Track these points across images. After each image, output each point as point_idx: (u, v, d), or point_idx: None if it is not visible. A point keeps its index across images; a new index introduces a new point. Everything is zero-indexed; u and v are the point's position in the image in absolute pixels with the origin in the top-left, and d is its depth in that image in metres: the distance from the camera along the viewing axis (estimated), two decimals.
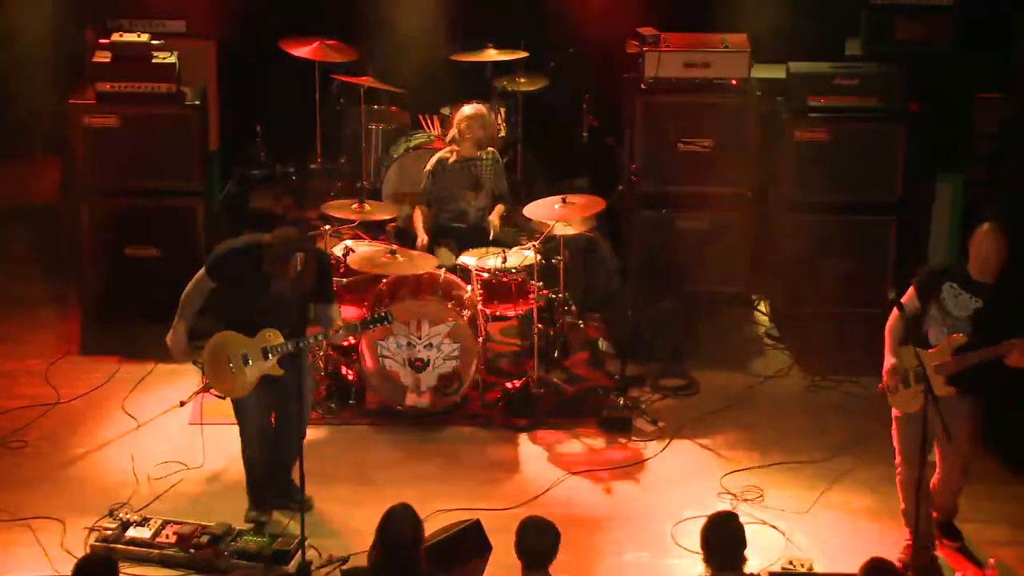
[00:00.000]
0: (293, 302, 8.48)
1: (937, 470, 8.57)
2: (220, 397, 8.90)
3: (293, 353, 8.44)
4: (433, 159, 10.88)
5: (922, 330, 8.37)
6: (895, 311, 8.42)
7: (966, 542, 8.71)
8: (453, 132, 10.90)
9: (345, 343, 9.87)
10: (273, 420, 8.82)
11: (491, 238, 10.68)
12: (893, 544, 8.55)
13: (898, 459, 8.54)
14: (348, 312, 10.16)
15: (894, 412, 8.48)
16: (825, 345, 10.86)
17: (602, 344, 10.94)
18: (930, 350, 8.26)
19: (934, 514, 8.66)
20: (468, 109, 10.81)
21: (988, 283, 8.25)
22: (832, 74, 11.11)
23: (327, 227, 10.45)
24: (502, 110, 12.24)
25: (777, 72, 11.36)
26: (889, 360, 8.37)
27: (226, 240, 8.79)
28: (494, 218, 10.82)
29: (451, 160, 10.82)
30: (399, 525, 6.94)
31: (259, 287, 8.44)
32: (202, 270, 8.64)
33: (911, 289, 8.45)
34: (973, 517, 8.93)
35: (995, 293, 8.23)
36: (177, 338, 8.68)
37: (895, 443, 8.53)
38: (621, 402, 10.08)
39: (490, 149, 10.96)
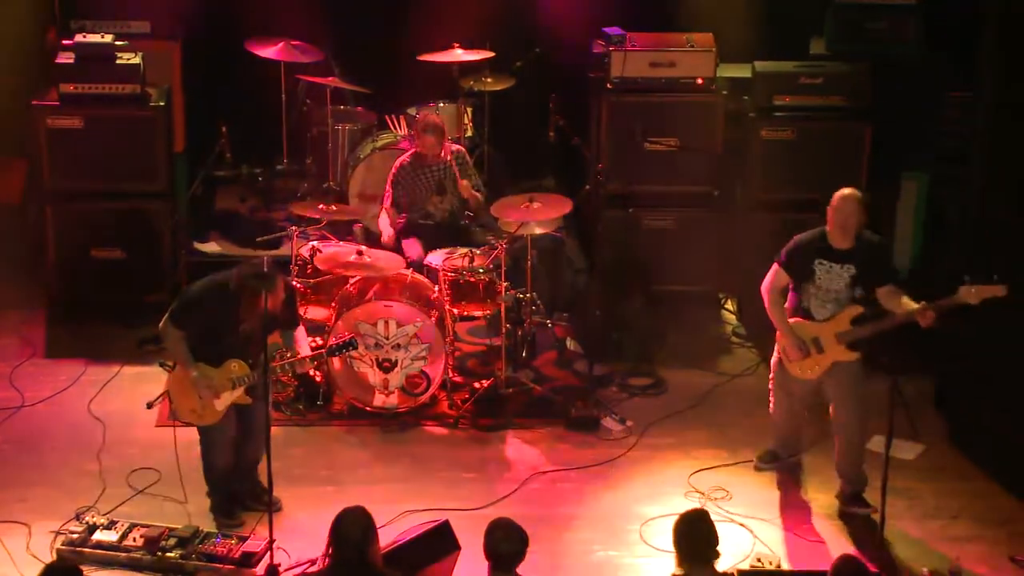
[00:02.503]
0: (259, 333, 8.49)
1: (836, 440, 8.96)
2: (187, 424, 8.83)
3: (259, 383, 8.47)
4: (394, 167, 10.89)
5: (802, 305, 8.78)
6: (769, 290, 8.85)
7: (925, 541, 8.78)
8: (416, 140, 10.92)
9: (311, 371, 9.80)
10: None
11: (473, 210, 10.81)
12: (862, 541, 8.60)
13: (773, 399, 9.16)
14: (317, 313, 10.16)
15: (773, 362, 9.02)
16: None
17: (570, 344, 10.96)
18: (826, 321, 8.69)
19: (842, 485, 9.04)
20: (425, 121, 10.82)
21: (850, 248, 8.61)
22: (797, 73, 11.16)
23: (293, 228, 10.44)
24: (469, 110, 12.25)
25: (743, 71, 11.41)
26: (789, 336, 8.78)
27: (189, 287, 8.79)
28: (478, 194, 10.80)
29: (413, 167, 10.83)
30: (349, 525, 6.97)
31: (227, 326, 8.47)
32: (167, 320, 8.58)
33: (776, 267, 8.84)
34: (937, 513, 9.01)
35: (862, 255, 8.60)
36: (200, 374, 8.57)
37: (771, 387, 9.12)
38: (588, 402, 10.10)
39: (456, 148, 10.98)
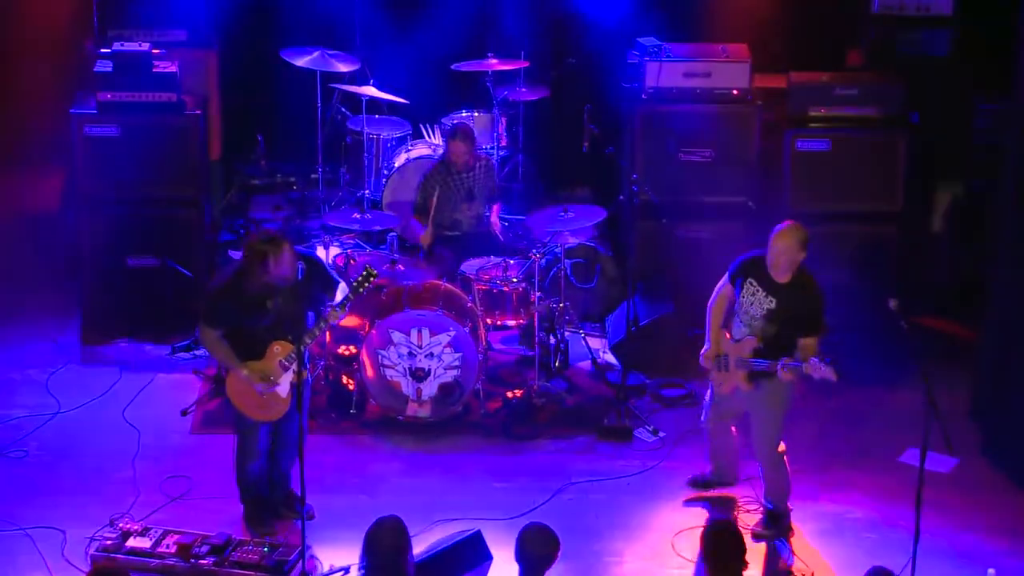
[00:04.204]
0: (292, 305, 8.46)
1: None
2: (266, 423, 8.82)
3: (304, 352, 8.43)
4: (424, 173, 10.92)
5: (729, 319, 8.77)
6: (715, 293, 8.80)
7: (959, 556, 8.77)
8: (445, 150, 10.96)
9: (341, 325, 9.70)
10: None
11: (500, 239, 10.75)
12: (894, 553, 8.55)
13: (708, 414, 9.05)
14: (349, 321, 10.18)
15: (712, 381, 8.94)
16: (826, 354, 10.82)
17: (603, 354, 10.95)
18: (736, 343, 8.65)
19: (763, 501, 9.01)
20: (455, 127, 10.85)
21: (782, 283, 8.47)
22: (832, 84, 11.13)
23: (327, 237, 10.47)
24: (504, 120, 12.27)
25: (778, 82, 11.38)
26: (708, 342, 8.77)
27: (209, 285, 8.78)
28: (495, 219, 10.87)
29: (443, 174, 10.86)
30: (383, 534, 6.97)
31: (256, 310, 8.45)
32: (201, 323, 8.59)
33: (726, 275, 8.77)
34: (971, 528, 8.98)
35: (787, 295, 8.46)
36: (250, 371, 8.57)
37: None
38: (621, 412, 10.10)
39: (484, 157, 11.02)
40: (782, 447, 8.79)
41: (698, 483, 9.28)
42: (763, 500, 8.98)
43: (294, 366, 8.42)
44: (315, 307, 8.61)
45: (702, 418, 9.18)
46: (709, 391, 9.05)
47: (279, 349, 8.52)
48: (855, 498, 9.30)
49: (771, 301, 8.49)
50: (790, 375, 8.42)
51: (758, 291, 8.53)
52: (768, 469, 8.84)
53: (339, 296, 8.73)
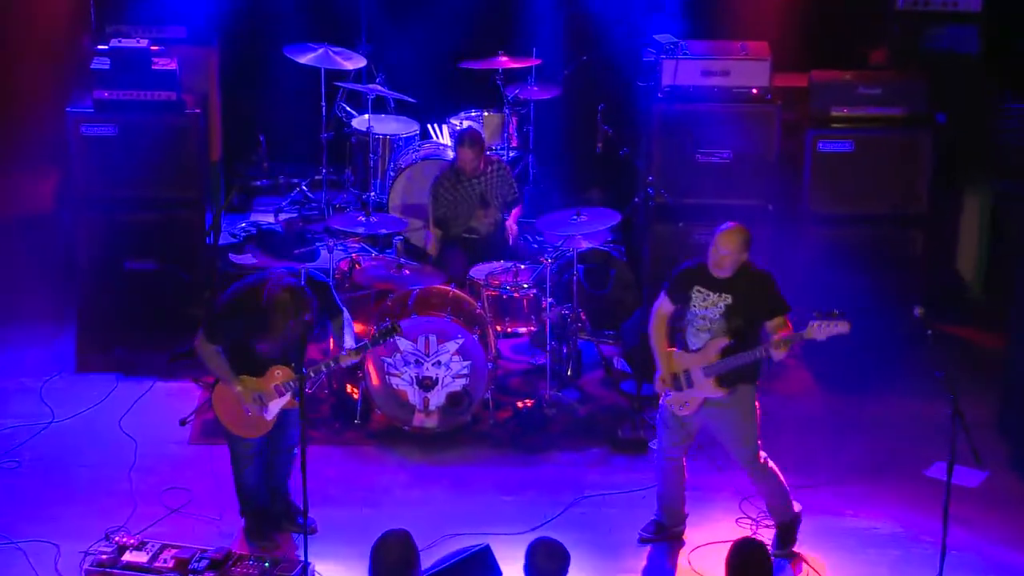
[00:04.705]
0: (299, 332, 8.45)
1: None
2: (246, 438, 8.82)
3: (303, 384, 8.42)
4: (432, 181, 10.92)
5: (681, 333, 8.64)
6: (654, 313, 8.71)
7: (988, 571, 8.73)
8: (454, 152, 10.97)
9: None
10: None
11: (511, 243, 10.72)
12: (921, 569, 8.53)
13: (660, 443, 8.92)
14: (355, 328, 10.15)
15: (662, 400, 8.75)
16: (848, 363, 10.83)
17: (617, 362, 10.93)
18: (697, 352, 8.51)
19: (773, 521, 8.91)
20: (462, 134, 10.85)
21: (729, 278, 8.46)
22: (855, 83, 11.10)
23: (331, 240, 10.45)
24: (514, 120, 12.25)
25: (799, 81, 11.35)
26: (659, 365, 8.65)
27: (217, 299, 8.73)
28: (511, 223, 10.87)
29: (452, 180, 10.85)
30: (390, 549, 6.94)
31: (262, 331, 8.43)
32: (202, 337, 8.56)
33: (662, 294, 8.70)
34: (1000, 542, 8.95)
35: (739, 285, 8.45)
36: (244, 388, 8.55)
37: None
38: (635, 423, 10.08)
39: (495, 159, 11.01)
40: (762, 455, 8.72)
41: (653, 534, 9.03)
42: (770, 517, 8.91)
43: (289, 395, 8.45)
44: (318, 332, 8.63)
45: (656, 452, 9.05)
46: (659, 420, 8.89)
47: (280, 374, 8.53)
48: (879, 512, 9.26)
49: (726, 298, 8.47)
50: (784, 350, 8.34)
51: (709, 295, 8.50)
52: (760, 482, 8.76)
53: (348, 338, 8.81)
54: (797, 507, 8.86)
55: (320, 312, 8.60)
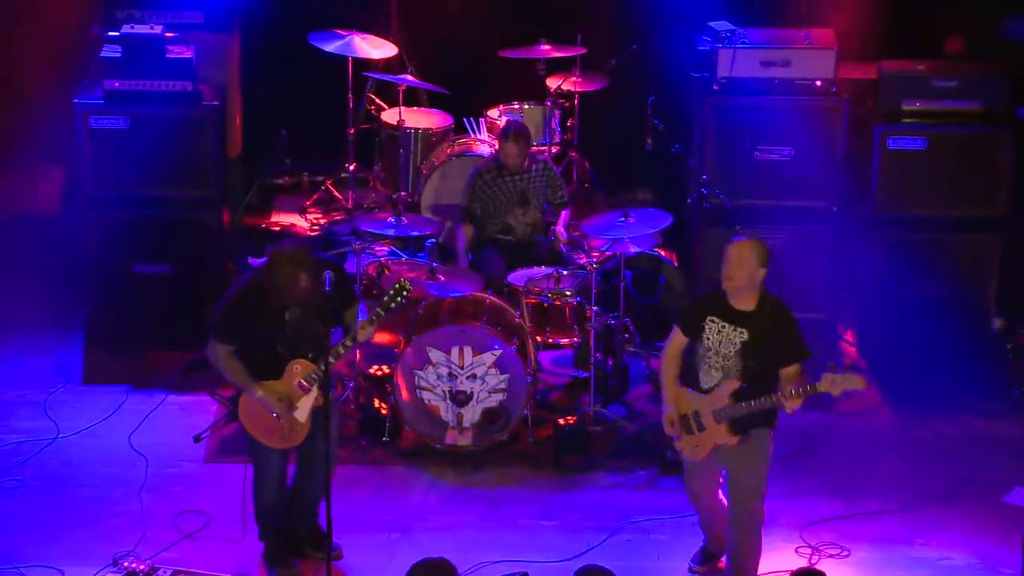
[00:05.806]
0: (312, 322, 8.43)
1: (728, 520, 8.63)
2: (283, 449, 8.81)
3: (326, 373, 8.38)
4: (472, 172, 10.92)
5: (694, 370, 8.42)
6: (666, 348, 8.51)
7: None
8: (497, 145, 10.96)
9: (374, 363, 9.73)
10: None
11: (556, 247, 10.79)
12: None
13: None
14: (382, 338, 10.17)
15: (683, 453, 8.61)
16: (918, 379, 10.78)
17: None
18: (707, 394, 8.32)
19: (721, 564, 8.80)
20: (507, 127, 10.85)
21: (749, 311, 8.24)
22: (929, 75, 11.05)
23: (359, 243, 10.46)
24: (557, 113, 12.25)
25: (867, 72, 11.31)
26: (666, 406, 8.47)
27: (223, 297, 8.67)
28: (560, 229, 10.86)
29: (493, 174, 10.85)
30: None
31: (274, 324, 8.42)
32: (212, 340, 8.54)
33: (675, 327, 8.49)
34: None
35: (758, 321, 8.23)
36: (265, 392, 8.54)
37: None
38: None
39: (542, 159, 11.01)
40: (761, 508, 8.53)
41: (701, 564, 8.97)
42: (726, 566, 8.75)
43: (315, 388, 8.39)
44: (335, 321, 8.57)
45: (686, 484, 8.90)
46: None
47: (299, 368, 8.49)
48: (953, 541, 9.22)
49: (742, 333, 8.25)
50: (798, 403, 8.14)
51: (724, 327, 8.29)
52: (745, 533, 8.54)
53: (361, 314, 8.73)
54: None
55: (335, 289, 8.47)
